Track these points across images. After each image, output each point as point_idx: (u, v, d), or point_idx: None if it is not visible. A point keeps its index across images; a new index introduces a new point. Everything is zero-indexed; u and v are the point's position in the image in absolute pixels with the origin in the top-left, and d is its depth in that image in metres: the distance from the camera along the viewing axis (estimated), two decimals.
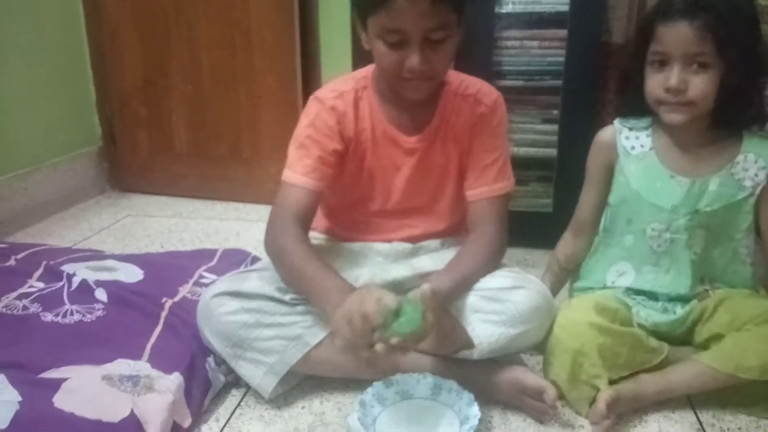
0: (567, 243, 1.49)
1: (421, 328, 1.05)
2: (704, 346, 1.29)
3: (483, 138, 1.35)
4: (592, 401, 1.21)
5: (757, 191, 1.28)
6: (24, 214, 2.29)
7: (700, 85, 1.20)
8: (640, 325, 1.31)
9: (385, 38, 1.18)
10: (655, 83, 1.25)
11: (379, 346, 1.03)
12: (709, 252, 1.33)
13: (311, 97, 1.36)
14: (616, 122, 1.38)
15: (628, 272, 1.38)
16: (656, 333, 1.33)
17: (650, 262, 1.35)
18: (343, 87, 1.34)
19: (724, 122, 1.28)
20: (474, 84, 1.37)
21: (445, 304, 1.22)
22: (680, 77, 1.21)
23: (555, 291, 1.47)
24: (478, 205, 1.36)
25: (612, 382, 1.22)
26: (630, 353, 1.25)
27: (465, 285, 1.27)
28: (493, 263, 1.33)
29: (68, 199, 2.52)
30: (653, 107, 1.28)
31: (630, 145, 1.35)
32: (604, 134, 1.40)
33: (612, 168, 1.38)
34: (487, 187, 1.35)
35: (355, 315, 1.04)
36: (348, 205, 1.44)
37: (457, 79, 1.37)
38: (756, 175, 1.28)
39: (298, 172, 1.30)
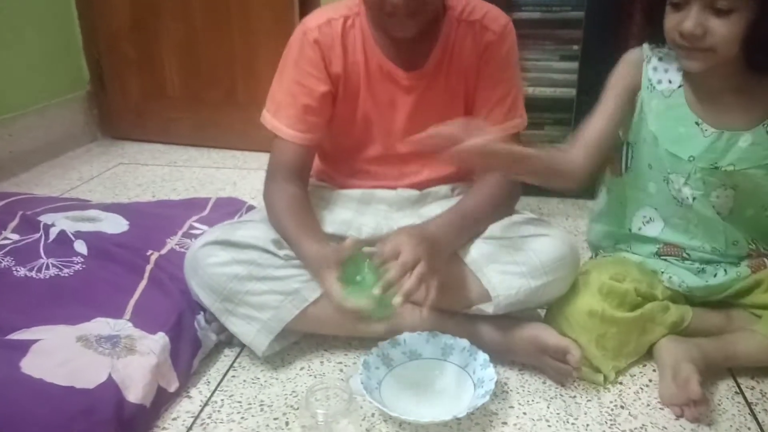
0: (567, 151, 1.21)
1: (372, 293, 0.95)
2: (762, 307, 1.17)
3: (491, 70, 1.20)
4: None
5: None
6: (9, 163, 2.17)
7: (721, 29, 1.01)
8: (670, 290, 1.19)
9: None
10: (671, 23, 1.06)
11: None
12: (741, 213, 1.17)
13: (299, 25, 1.22)
14: (646, 47, 1.19)
15: (655, 220, 1.23)
16: (689, 298, 1.21)
17: (678, 215, 1.20)
18: (332, 13, 1.20)
19: (761, 68, 1.08)
20: (480, 7, 1.21)
21: (440, 248, 1.08)
22: (697, 20, 1.01)
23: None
24: None
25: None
26: (641, 338, 1.15)
27: (467, 229, 1.15)
28: (503, 209, 1.20)
29: (57, 146, 2.41)
30: (673, 48, 1.10)
31: (657, 78, 1.17)
32: (634, 54, 1.20)
33: (633, 94, 1.19)
34: (495, 128, 1.19)
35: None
36: (344, 151, 1.30)
37: (460, 2, 1.20)
38: None
39: (284, 123, 1.20)
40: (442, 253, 1.08)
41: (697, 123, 1.13)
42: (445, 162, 1.00)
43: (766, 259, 1.20)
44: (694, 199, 1.16)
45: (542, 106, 1.87)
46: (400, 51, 1.19)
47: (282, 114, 1.20)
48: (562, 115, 1.89)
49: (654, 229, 1.24)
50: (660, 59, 1.17)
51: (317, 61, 1.18)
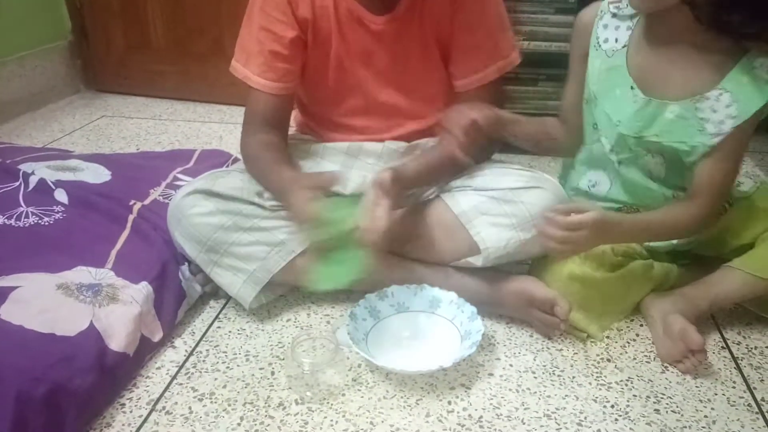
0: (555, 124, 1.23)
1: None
2: (733, 251, 1.15)
3: (466, 15, 1.13)
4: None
5: (714, 142, 1.02)
6: None
7: None
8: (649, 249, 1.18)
9: None
10: None
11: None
12: (674, 179, 1.11)
13: None
14: (605, 1, 1.11)
15: (601, 182, 1.19)
16: (653, 253, 1.19)
17: (616, 173, 1.15)
18: None
19: (717, 28, 0.96)
20: None
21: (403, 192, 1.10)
22: None
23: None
24: (468, 97, 1.17)
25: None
26: (626, 297, 1.14)
27: (435, 180, 1.15)
28: (482, 154, 1.18)
29: (38, 98, 2.35)
30: None
31: (604, 36, 1.10)
32: (586, 15, 1.14)
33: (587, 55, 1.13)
34: (476, 75, 1.16)
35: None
36: (323, 103, 1.26)
37: None
38: (722, 122, 1.01)
39: (254, 71, 1.15)
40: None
41: (631, 87, 1.07)
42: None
43: (726, 204, 1.17)
44: (620, 163, 1.12)
45: (537, 61, 1.82)
46: None
47: (252, 62, 1.15)
48: (557, 70, 1.84)
49: (602, 189, 1.20)
50: (614, 15, 1.09)
51: (283, 5, 1.12)
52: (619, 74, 1.08)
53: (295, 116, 1.36)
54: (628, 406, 0.98)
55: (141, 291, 1.06)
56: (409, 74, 1.19)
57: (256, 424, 0.93)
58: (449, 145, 1.04)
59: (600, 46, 1.10)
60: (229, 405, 0.96)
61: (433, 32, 1.15)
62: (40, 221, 1.20)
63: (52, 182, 1.31)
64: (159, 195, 1.34)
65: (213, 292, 1.21)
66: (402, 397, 0.98)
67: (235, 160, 1.60)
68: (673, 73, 1.04)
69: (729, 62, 1.01)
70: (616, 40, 1.09)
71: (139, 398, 0.98)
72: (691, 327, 1.03)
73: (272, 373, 1.03)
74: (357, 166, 1.24)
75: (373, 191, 1.00)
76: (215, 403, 0.97)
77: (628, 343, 1.12)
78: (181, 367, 1.04)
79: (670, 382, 1.03)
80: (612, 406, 0.97)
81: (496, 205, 1.10)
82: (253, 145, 1.17)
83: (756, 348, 1.11)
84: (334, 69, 1.18)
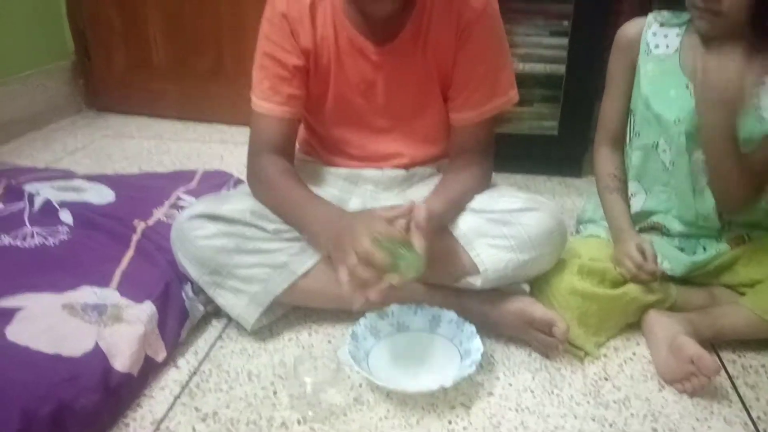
0: (608, 159, 1.28)
1: (422, 269, 0.97)
2: (743, 285, 1.18)
3: (470, 51, 1.14)
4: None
5: None
6: None
7: None
8: None
9: None
10: None
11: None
12: None
13: None
14: (650, 15, 1.21)
15: (638, 193, 1.25)
16: (669, 275, 1.22)
17: (662, 182, 1.21)
18: None
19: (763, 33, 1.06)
20: None
21: (437, 229, 1.10)
22: None
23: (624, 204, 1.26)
24: (464, 131, 1.20)
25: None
26: (622, 315, 1.17)
27: (454, 211, 1.15)
28: (480, 188, 1.19)
29: (40, 117, 2.37)
30: (688, 8, 1.11)
31: (655, 42, 1.18)
32: (629, 29, 1.22)
33: (635, 68, 1.21)
34: (474, 112, 1.18)
35: (352, 253, 0.95)
36: (324, 128, 1.27)
37: None
38: None
39: (260, 96, 1.18)
40: (440, 234, 1.11)
41: (687, 86, 1.14)
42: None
43: (745, 235, 1.20)
44: (673, 164, 1.16)
45: (531, 83, 1.86)
46: (371, 25, 1.14)
47: (257, 88, 1.18)
48: (552, 91, 1.88)
49: (638, 203, 1.25)
50: (661, 25, 1.18)
51: (287, 34, 1.14)
52: (673, 76, 1.14)
53: (299, 133, 1.38)
54: (626, 424, 0.99)
55: (145, 311, 1.07)
56: (408, 105, 1.21)
57: None
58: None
59: (651, 51, 1.18)
60: (232, 425, 0.97)
61: (436, 64, 1.17)
62: (45, 242, 1.22)
63: (57, 203, 1.33)
64: (162, 215, 1.35)
65: (215, 311, 1.23)
66: (403, 417, 0.99)
67: (237, 181, 1.62)
68: None
69: None
70: (667, 46, 1.17)
71: (143, 418, 0.99)
72: (705, 352, 1.03)
73: (274, 393, 1.04)
74: (357, 192, 1.27)
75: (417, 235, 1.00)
76: (218, 422, 0.98)
77: (626, 362, 1.13)
78: (184, 387, 1.06)
79: (667, 400, 1.04)
80: (610, 425, 0.99)
81: (494, 227, 1.12)
82: (267, 169, 1.17)
83: (751, 367, 1.13)
84: (333, 97, 1.20)
